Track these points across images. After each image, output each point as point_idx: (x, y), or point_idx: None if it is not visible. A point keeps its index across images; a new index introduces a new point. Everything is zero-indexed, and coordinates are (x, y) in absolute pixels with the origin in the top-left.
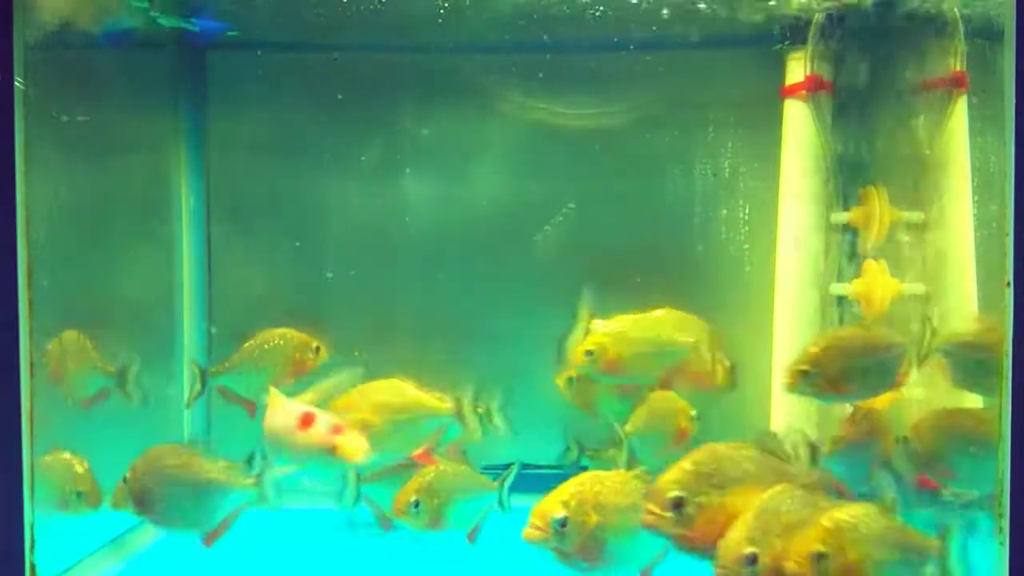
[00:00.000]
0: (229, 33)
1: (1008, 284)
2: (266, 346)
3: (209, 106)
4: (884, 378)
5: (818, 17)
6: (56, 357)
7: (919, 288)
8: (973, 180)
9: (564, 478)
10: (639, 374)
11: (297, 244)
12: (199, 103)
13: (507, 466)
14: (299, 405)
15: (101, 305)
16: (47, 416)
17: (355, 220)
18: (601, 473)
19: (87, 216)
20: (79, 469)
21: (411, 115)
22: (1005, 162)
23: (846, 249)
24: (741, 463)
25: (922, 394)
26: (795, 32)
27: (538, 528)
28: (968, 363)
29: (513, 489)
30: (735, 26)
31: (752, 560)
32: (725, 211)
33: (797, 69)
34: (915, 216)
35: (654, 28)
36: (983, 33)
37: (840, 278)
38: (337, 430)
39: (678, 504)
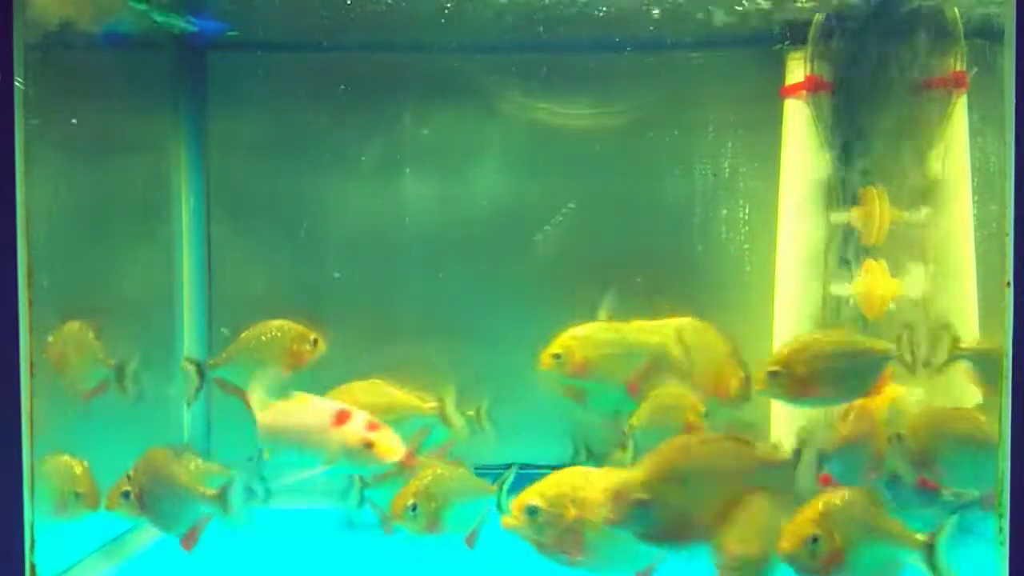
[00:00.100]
0: (229, 33)
1: (1008, 284)
2: (263, 338)
3: (209, 106)
4: (857, 383)
5: (818, 17)
6: (58, 348)
7: (919, 288)
8: (973, 180)
9: None
10: (608, 377)
11: (302, 233)
12: (199, 103)
13: (507, 467)
14: (331, 402)
15: (101, 305)
16: (47, 416)
17: (355, 220)
18: (589, 468)
19: (87, 216)
20: (77, 470)
21: (411, 115)
22: (1005, 162)
23: (846, 249)
24: (708, 455)
25: (922, 394)
26: (795, 32)
27: (515, 517)
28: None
29: (513, 492)
30: (735, 26)
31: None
32: (725, 211)
33: (797, 69)
34: (915, 216)
35: (654, 28)
36: (983, 33)
37: (840, 278)
38: (373, 427)
39: (642, 504)
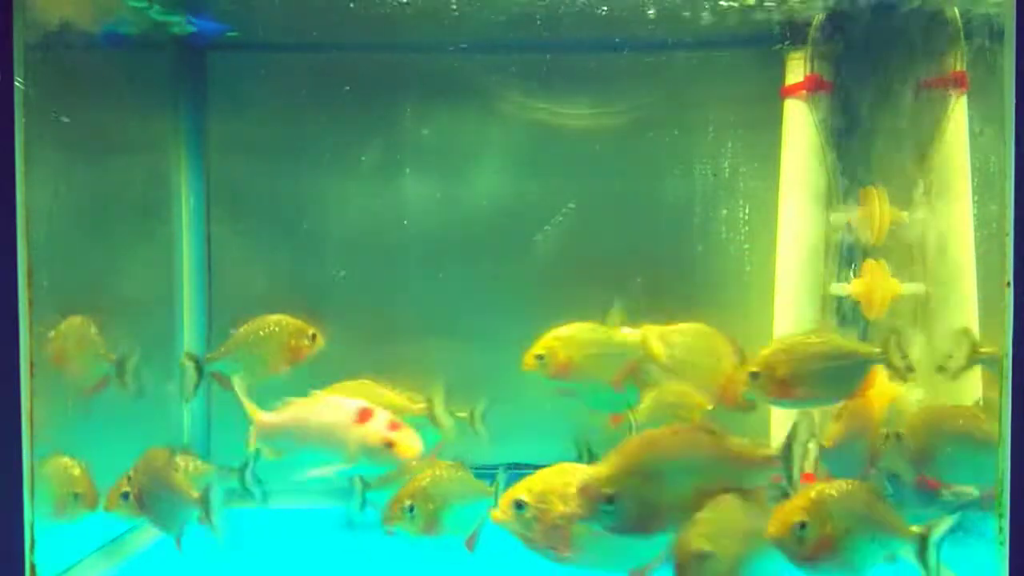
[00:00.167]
0: (229, 34)
1: (1008, 284)
2: (261, 332)
3: (209, 106)
4: (839, 385)
5: (818, 17)
6: (59, 343)
7: (919, 288)
8: (973, 180)
9: None
10: (590, 377)
11: (302, 233)
12: (199, 103)
13: (509, 467)
14: (353, 400)
15: (101, 305)
16: (47, 415)
17: (355, 220)
18: (578, 465)
19: (87, 216)
20: (76, 471)
21: (411, 115)
22: (1005, 162)
23: (846, 249)
24: (679, 449)
25: (922, 394)
26: (795, 32)
27: (503, 511)
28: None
29: None
30: (735, 26)
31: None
32: (725, 211)
33: (797, 69)
34: (915, 216)
35: (653, 28)
36: (983, 33)
37: (840, 278)
38: (394, 426)
39: (608, 498)
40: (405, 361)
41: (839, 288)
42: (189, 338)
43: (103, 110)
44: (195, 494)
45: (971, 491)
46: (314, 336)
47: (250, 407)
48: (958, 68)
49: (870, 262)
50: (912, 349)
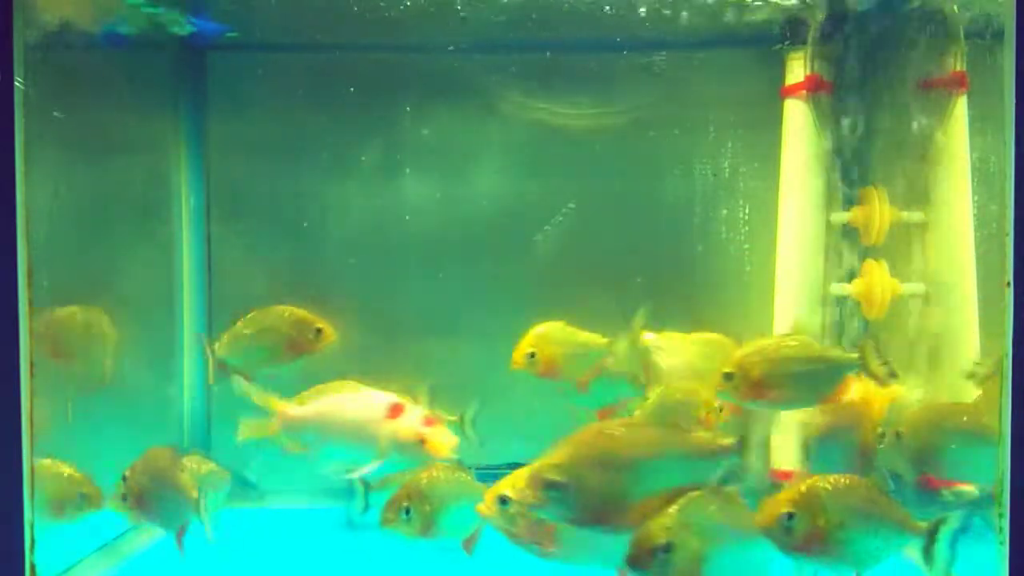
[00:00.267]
0: (229, 34)
1: (1008, 284)
2: (264, 324)
3: (209, 106)
4: (813, 389)
5: (818, 17)
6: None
7: (919, 288)
8: (973, 180)
9: None
10: (570, 374)
11: (302, 233)
12: (199, 103)
13: (512, 467)
14: (384, 394)
15: (101, 305)
16: (48, 416)
17: (355, 220)
18: None
19: (87, 216)
20: (78, 473)
21: (411, 115)
22: (1005, 162)
23: (846, 249)
24: (634, 441)
25: (922, 394)
26: (795, 32)
27: (488, 507)
28: None
29: None
30: (735, 26)
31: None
32: (725, 211)
33: (797, 69)
34: (915, 216)
35: (654, 28)
36: (983, 33)
37: (840, 278)
38: (428, 422)
39: (556, 487)
40: (404, 361)
41: (839, 288)
42: (189, 338)
43: (103, 110)
44: (195, 494)
45: (972, 491)
46: (319, 330)
47: (272, 400)
48: (958, 68)
49: (870, 262)
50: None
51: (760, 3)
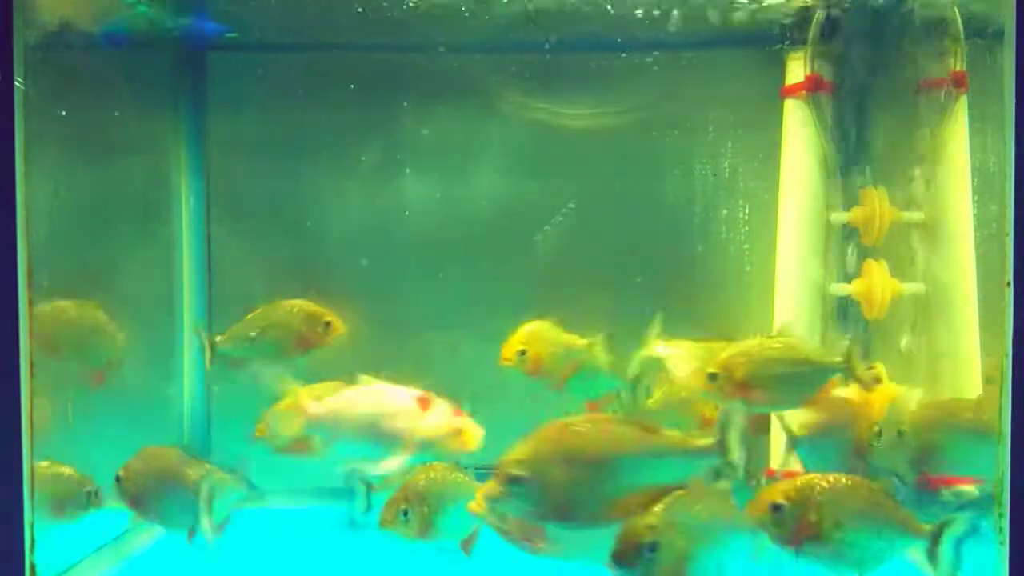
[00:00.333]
0: (228, 35)
1: (1008, 284)
2: (273, 317)
3: (209, 106)
4: (796, 391)
5: (818, 17)
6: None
7: (919, 288)
8: (973, 180)
9: None
10: (557, 372)
11: (302, 233)
12: (199, 103)
13: None
14: (408, 388)
15: (101, 304)
16: (49, 416)
17: (355, 219)
18: None
19: (87, 216)
20: (78, 473)
21: (411, 115)
22: (1005, 162)
23: (846, 249)
24: (595, 436)
25: (921, 394)
26: (795, 32)
27: (478, 504)
28: None
29: None
30: (735, 26)
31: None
32: (725, 211)
33: (797, 69)
34: (915, 216)
35: (654, 28)
36: (983, 33)
37: (840, 278)
38: (458, 413)
39: (519, 481)
40: (403, 360)
41: (839, 288)
42: (189, 338)
43: (103, 110)
44: (204, 491)
45: (972, 490)
46: (328, 324)
47: (294, 393)
48: (958, 68)
49: (870, 262)
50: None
51: (758, 4)
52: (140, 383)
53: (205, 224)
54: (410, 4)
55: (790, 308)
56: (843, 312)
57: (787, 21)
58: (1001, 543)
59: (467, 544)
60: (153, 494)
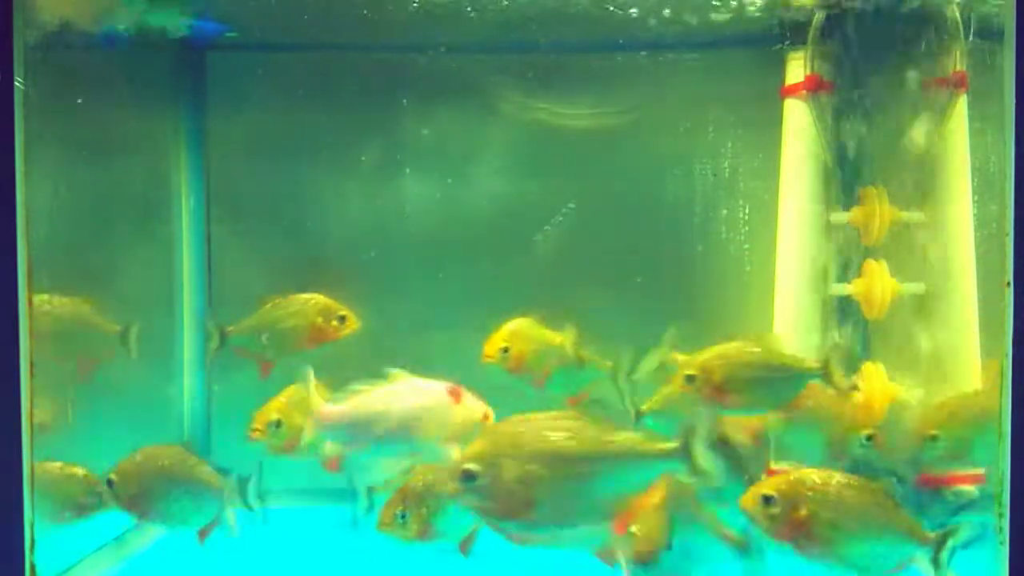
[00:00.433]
0: (228, 34)
1: (1008, 284)
2: (288, 309)
3: (209, 106)
4: (773, 395)
5: (818, 17)
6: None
7: (919, 288)
8: (973, 180)
9: None
10: (535, 370)
11: (302, 233)
12: (199, 103)
13: None
14: (433, 381)
15: (101, 304)
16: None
17: (355, 219)
18: None
19: (87, 216)
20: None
21: (411, 115)
22: (1005, 162)
23: (846, 249)
24: (548, 432)
25: (921, 394)
26: (795, 32)
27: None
28: None
29: None
30: (735, 26)
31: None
32: (725, 211)
33: (797, 69)
34: (915, 216)
35: (654, 28)
36: (983, 33)
37: (840, 278)
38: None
39: (470, 476)
40: (401, 360)
41: (839, 288)
42: (189, 338)
43: (103, 110)
44: (221, 485)
45: (971, 490)
46: (343, 318)
47: (314, 396)
48: (958, 68)
49: (870, 262)
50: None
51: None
52: (140, 383)
53: (205, 224)
54: (414, 5)
55: (790, 308)
56: (843, 312)
57: (787, 21)
58: (1001, 543)
59: (466, 545)
60: (155, 494)
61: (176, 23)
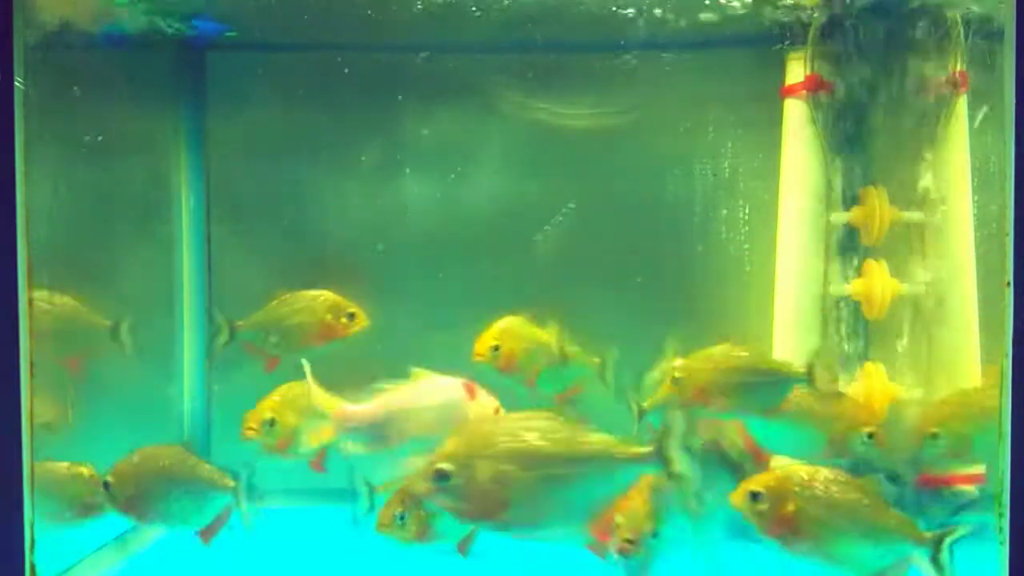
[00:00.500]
0: (228, 34)
1: (1008, 284)
2: (297, 305)
3: (209, 106)
4: (758, 399)
5: (818, 17)
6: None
7: (919, 288)
8: (973, 180)
9: None
10: (526, 368)
11: (302, 233)
12: (199, 103)
13: None
14: (446, 377)
15: (101, 304)
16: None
17: (355, 219)
18: None
19: (87, 216)
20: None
21: (411, 115)
22: (1005, 162)
23: (846, 249)
24: (521, 433)
25: (921, 394)
26: (795, 32)
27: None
28: None
29: None
30: (735, 26)
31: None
32: (725, 211)
33: (797, 69)
34: (915, 216)
35: (654, 28)
36: (983, 33)
37: (840, 278)
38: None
39: (443, 476)
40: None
41: (839, 288)
42: (189, 338)
43: (103, 110)
44: (230, 482)
45: (971, 490)
46: (352, 315)
47: (327, 399)
48: (958, 68)
49: (870, 262)
50: None
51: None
52: (140, 383)
53: (205, 224)
54: (419, 7)
55: (790, 308)
56: (843, 312)
57: (787, 21)
58: (1001, 543)
59: (464, 546)
60: (153, 495)
61: (176, 23)
